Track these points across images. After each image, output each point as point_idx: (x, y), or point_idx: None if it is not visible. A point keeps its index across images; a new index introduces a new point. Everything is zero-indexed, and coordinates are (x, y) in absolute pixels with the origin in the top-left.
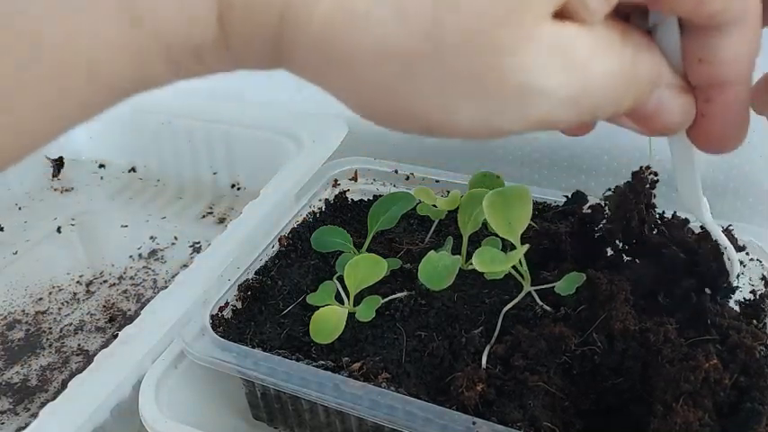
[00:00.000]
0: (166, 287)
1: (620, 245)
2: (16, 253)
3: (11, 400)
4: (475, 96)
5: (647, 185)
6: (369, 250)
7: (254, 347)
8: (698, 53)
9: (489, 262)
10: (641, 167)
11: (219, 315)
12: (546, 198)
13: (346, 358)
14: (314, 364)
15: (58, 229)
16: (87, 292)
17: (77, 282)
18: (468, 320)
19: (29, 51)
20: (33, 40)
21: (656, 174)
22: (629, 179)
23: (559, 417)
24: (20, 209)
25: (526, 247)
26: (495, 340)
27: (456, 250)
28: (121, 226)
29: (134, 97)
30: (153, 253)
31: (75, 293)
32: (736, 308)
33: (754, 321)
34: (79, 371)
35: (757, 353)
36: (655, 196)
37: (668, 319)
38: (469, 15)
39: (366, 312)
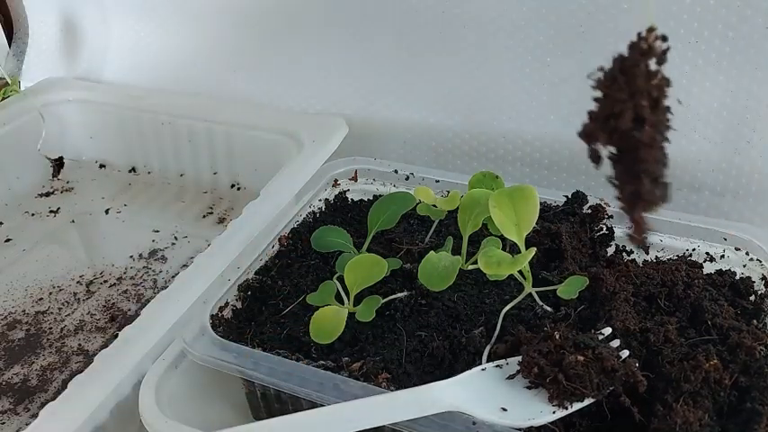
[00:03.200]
0: (166, 287)
1: (607, 152)
2: (16, 253)
3: (11, 400)
4: None
5: (652, 59)
6: (369, 250)
7: (254, 347)
8: None
9: (496, 264)
10: (639, 33)
11: (219, 315)
12: (546, 198)
13: (346, 358)
14: (314, 364)
15: (59, 229)
16: (87, 292)
17: (77, 282)
18: (469, 320)
19: None
20: None
21: (665, 38)
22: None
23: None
24: (20, 208)
25: (533, 250)
26: (496, 340)
27: (456, 250)
28: (121, 226)
29: (134, 97)
30: (153, 253)
31: (75, 293)
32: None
33: (754, 321)
34: (79, 371)
35: (757, 353)
36: (667, 82)
37: (668, 319)
38: None
39: (366, 312)
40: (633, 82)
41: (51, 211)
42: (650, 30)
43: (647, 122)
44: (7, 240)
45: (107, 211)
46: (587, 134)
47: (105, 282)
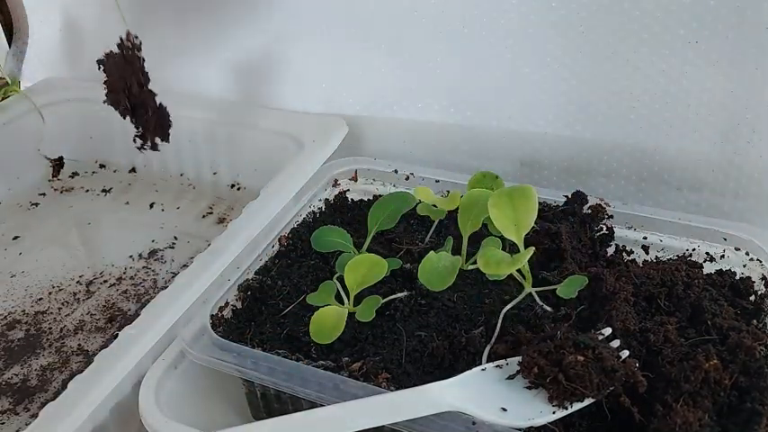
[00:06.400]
0: (166, 287)
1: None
2: (17, 253)
3: (11, 400)
4: None
5: (136, 51)
6: (369, 250)
7: (254, 347)
8: None
9: (495, 264)
10: (121, 37)
11: (219, 315)
12: (546, 198)
13: (346, 358)
14: (314, 364)
15: (59, 229)
16: (87, 292)
17: (77, 282)
18: (469, 320)
19: None
20: None
21: (136, 37)
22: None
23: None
24: (20, 209)
25: (532, 249)
26: (496, 340)
27: (456, 250)
28: (121, 226)
29: None
30: (153, 253)
31: (75, 293)
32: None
33: (754, 321)
34: (79, 371)
35: (757, 353)
36: (143, 60)
37: (668, 319)
38: None
39: (366, 312)
40: (133, 61)
41: (51, 212)
42: (130, 34)
43: (144, 86)
44: (7, 240)
45: (107, 211)
46: (113, 100)
47: (105, 282)
